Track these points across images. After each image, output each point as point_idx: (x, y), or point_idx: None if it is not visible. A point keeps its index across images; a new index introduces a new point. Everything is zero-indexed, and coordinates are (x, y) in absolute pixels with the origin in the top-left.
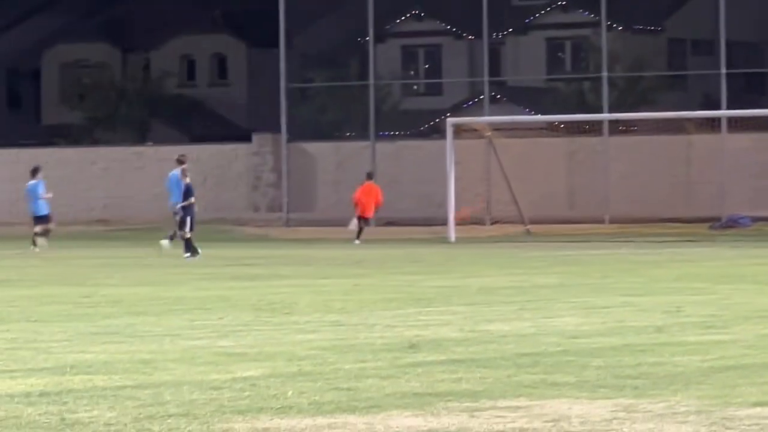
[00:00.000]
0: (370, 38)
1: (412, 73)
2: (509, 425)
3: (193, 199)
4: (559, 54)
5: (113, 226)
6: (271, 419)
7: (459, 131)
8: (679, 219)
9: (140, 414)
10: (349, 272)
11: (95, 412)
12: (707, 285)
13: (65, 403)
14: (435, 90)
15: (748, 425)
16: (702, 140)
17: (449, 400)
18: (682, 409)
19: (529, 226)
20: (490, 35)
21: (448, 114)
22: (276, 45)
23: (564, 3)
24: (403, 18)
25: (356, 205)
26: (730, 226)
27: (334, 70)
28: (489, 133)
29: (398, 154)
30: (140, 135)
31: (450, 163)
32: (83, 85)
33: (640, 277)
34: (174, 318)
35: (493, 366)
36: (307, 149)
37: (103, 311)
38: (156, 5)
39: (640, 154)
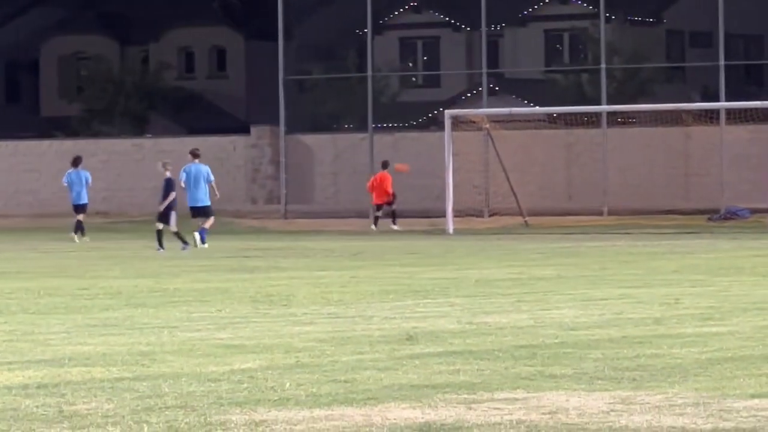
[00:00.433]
0: (368, 30)
1: (410, 65)
2: (507, 417)
3: (174, 194)
4: (558, 46)
5: (112, 218)
6: (269, 411)
7: (457, 123)
8: (678, 211)
9: (138, 406)
10: (346, 264)
11: (93, 404)
12: (705, 277)
13: (63, 395)
14: (433, 82)
15: (746, 417)
16: (700, 132)
17: (447, 392)
18: (680, 401)
19: (527, 218)
20: (488, 27)
21: (447, 106)
22: (274, 37)
23: None
24: (401, 10)
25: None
26: (729, 218)
27: (333, 62)
28: (487, 125)
29: (396, 146)
30: (139, 127)
31: (448, 154)
32: (82, 78)
33: (639, 269)
34: (172, 310)
35: (490, 358)
36: (305, 141)
37: (101, 303)
38: None
39: (639, 146)
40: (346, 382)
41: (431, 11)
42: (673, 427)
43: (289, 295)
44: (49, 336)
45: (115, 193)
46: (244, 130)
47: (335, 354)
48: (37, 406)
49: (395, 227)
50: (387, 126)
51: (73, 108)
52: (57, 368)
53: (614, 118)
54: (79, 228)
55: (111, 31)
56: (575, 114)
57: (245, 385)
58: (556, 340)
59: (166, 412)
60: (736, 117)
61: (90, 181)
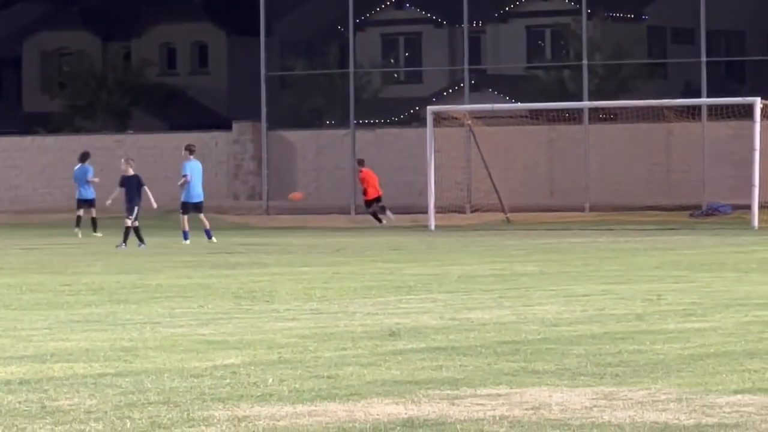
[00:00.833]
0: (350, 26)
1: (392, 61)
2: (489, 413)
3: (144, 188)
4: (539, 42)
5: (94, 215)
6: (252, 407)
7: (439, 119)
8: (660, 207)
9: (121, 401)
10: (329, 260)
11: (76, 400)
12: (687, 273)
13: (45, 390)
14: (415, 78)
15: (729, 412)
16: (682, 128)
17: (429, 388)
18: (663, 396)
19: (509, 215)
20: (470, 23)
21: (428, 102)
22: (256, 33)
23: None
24: (382, 6)
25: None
26: (711, 214)
27: (314, 58)
28: (469, 121)
29: (378, 142)
30: (121, 123)
31: (430, 151)
32: (64, 74)
33: (621, 265)
34: (155, 306)
35: (473, 354)
36: (287, 137)
37: (83, 299)
38: None
39: (621, 142)
40: (329, 377)
41: (413, 7)
42: (656, 423)
43: (271, 291)
44: (32, 332)
45: (97, 189)
46: (226, 125)
47: (318, 350)
48: (19, 402)
49: (386, 221)
50: (369, 122)
51: (56, 104)
52: (39, 364)
53: (596, 115)
54: (80, 223)
55: (93, 27)
56: (557, 110)
57: (228, 380)
58: (539, 336)
59: (149, 408)
60: (717, 113)
61: (91, 175)
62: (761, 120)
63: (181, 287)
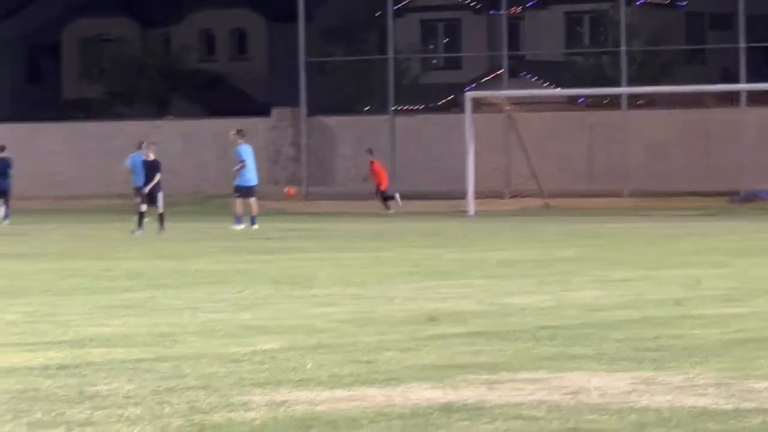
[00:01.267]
0: (389, 12)
1: (431, 47)
2: (528, 397)
3: (159, 176)
4: (578, 28)
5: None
6: (290, 391)
7: (478, 105)
8: (698, 193)
9: (159, 386)
10: (368, 245)
11: (114, 385)
12: (726, 258)
13: (84, 375)
14: (454, 64)
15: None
16: (721, 114)
17: (468, 373)
18: (701, 381)
19: (548, 200)
20: (509, 9)
21: (468, 88)
22: (295, 19)
23: None
24: None
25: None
26: (749, 200)
27: (354, 44)
28: (508, 107)
29: (417, 128)
30: (160, 109)
31: (469, 136)
32: (103, 60)
33: (659, 251)
34: (194, 291)
35: (512, 339)
36: (326, 123)
37: (122, 284)
38: None
39: (659, 128)
40: (367, 362)
41: None
42: (695, 408)
43: (310, 277)
44: (71, 317)
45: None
46: (265, 112)
47: (357, 335)
48: (57, 387)
49: (392, 210)
50: (408, 108)
51: (95, 90)
52: (78, 349)
53: (634, 100)
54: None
55: (132, 14)
56: (596, 96)
57: (267, 365)
58: (578, 321)
59: (188, 393)
60: (756, 99)
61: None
62: None
63: (221, 272)
